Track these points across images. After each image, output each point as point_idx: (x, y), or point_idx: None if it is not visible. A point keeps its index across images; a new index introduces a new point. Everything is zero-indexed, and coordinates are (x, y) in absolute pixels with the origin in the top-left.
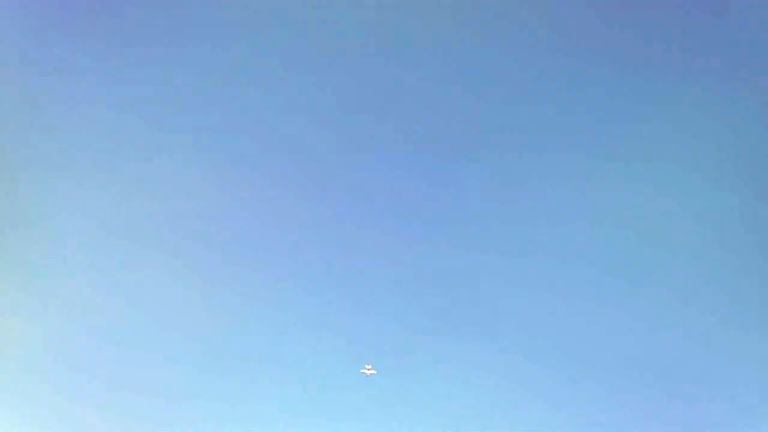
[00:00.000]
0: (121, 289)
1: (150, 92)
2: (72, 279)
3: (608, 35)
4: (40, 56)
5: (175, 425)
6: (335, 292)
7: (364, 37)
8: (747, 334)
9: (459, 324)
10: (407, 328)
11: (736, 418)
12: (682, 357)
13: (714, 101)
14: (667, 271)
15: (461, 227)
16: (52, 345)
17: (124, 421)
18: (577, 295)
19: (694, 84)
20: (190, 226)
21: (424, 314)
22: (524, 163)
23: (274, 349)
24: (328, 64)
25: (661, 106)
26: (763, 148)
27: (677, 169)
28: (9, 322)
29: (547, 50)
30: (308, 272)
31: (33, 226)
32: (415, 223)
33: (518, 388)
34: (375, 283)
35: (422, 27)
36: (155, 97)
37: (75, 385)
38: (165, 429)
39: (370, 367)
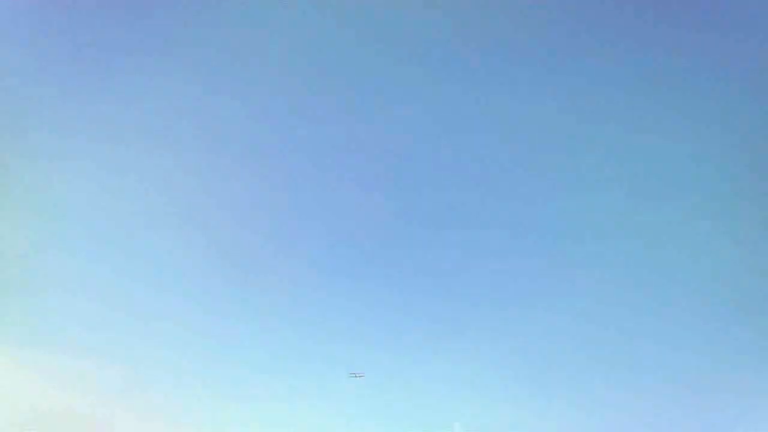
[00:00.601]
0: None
1: (148, 101)
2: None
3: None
4: (40, 58)
5: (175, 425)
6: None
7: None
8: (748, 335)
9: (457, 327)
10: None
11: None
12: (683, 361)
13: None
14: (668, 277)
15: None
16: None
17: (128, 419)
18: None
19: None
20: (190, 228)
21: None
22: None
23: (271, 350)
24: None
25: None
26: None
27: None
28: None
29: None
30: (309, 273)
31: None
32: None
33: (517, 389)
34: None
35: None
36: (154, 102)
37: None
38: (166, 429)
39: (359, 373)
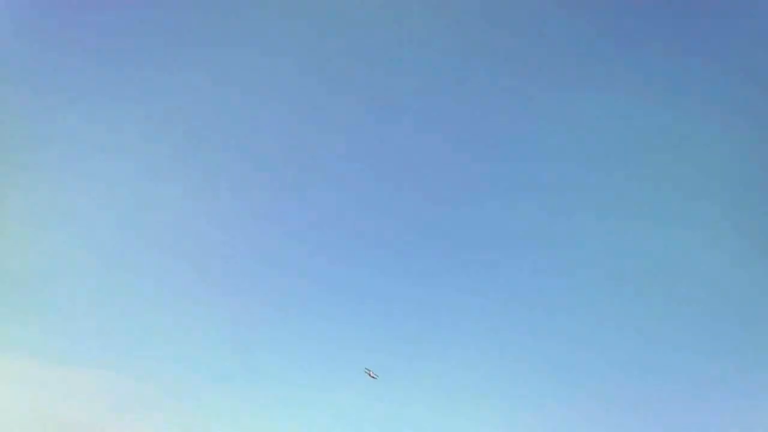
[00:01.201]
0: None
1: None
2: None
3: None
4: (39, 57)
5: (179, 424)
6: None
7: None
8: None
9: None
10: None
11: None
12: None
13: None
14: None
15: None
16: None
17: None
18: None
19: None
20: (190, 231)
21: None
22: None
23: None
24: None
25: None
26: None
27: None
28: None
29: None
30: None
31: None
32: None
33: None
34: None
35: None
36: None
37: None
38: (168, 428)
39: (372, 373)
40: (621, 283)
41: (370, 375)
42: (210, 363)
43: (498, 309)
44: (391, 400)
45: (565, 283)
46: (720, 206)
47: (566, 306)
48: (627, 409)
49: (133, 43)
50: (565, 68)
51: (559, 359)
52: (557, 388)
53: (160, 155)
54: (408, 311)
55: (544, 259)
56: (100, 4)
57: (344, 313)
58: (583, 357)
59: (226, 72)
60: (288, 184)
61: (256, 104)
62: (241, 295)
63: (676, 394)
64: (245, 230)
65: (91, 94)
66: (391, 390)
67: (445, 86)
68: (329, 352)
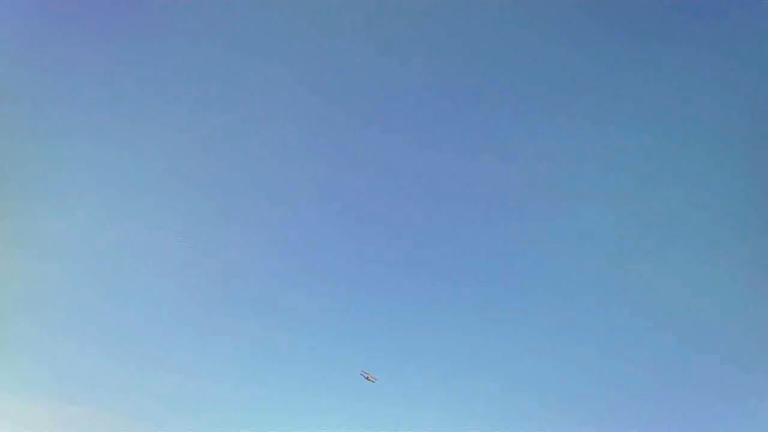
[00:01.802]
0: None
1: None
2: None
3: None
4: (39, 56)
5: (178, 425)
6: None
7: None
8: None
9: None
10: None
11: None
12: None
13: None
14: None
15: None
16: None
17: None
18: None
19: None
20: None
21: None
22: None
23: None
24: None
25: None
26: None
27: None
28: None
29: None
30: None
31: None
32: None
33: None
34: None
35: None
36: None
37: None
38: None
39: (370, 376)
40: (622, 285)
41: (367, 378)
42: (207, 364)
43: (497, 310)
44: (389, 403)
45: (565, 282)
46: (719, 211)
47: (565, 306)
48: (626, 409)
49: (131, 44)
50: (567, 67)
51: (558, 358)
52: (557, 388)
53: (157, 156)
54: (406, 314)
55: (543, 258)
56: (100, 4)
57: (341, 316)
58: (582, 355)
59: (226, 73)
60: (283, 187)
61: (257, 104)
62: (239, 306)
63: (676, 402)
64: (239, 233)
65: (90, 93)
66: (390, 392)
67: (448, 89)
68: (324, 355)
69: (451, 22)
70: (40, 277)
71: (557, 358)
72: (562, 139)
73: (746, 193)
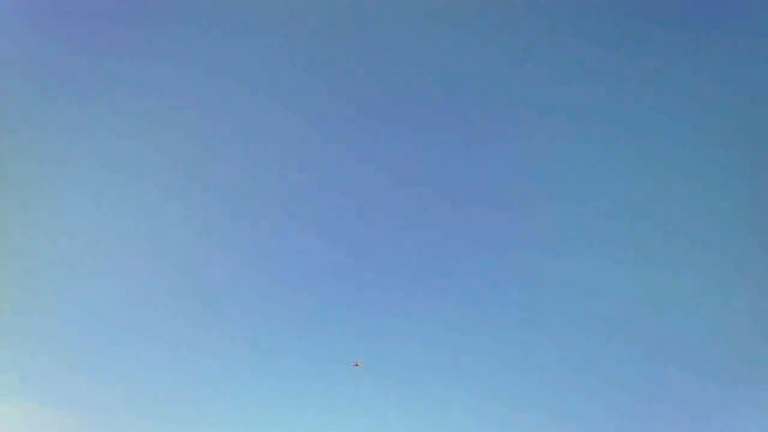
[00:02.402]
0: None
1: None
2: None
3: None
4: (39, 56)
5: (178, 424)
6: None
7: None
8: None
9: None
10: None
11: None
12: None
13: None
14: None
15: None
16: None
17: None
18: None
19: None
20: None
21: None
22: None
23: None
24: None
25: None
26: None
27: None
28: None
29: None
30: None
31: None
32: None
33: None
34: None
35: None
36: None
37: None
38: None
39: (360, 362)
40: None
41: (356, 365)
42: (204, 362)
43: (496, 309)
44: (389, 403)
45: (564, 282)
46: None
47: (563, 305)
48: (626, 409)
49: (130, 38)
50: (568, 67)
51: (556, 357)
52: (555, 387)
53: (156, 155)
54: (406, 314)
55: (542, 258)
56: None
57: (333, 308)
58: (580, 354)
59: (227, 68)
60: (281, 184)
61: (256, 105)
62: (230, 298)
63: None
64: (236, 231)
65: (90, 92)
66: (391, 392)
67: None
68: (317, 347)
69: (451, 22)
70: (31, 281)
71: (557, 358)
72: (562, 138)
73: (746, 193)
